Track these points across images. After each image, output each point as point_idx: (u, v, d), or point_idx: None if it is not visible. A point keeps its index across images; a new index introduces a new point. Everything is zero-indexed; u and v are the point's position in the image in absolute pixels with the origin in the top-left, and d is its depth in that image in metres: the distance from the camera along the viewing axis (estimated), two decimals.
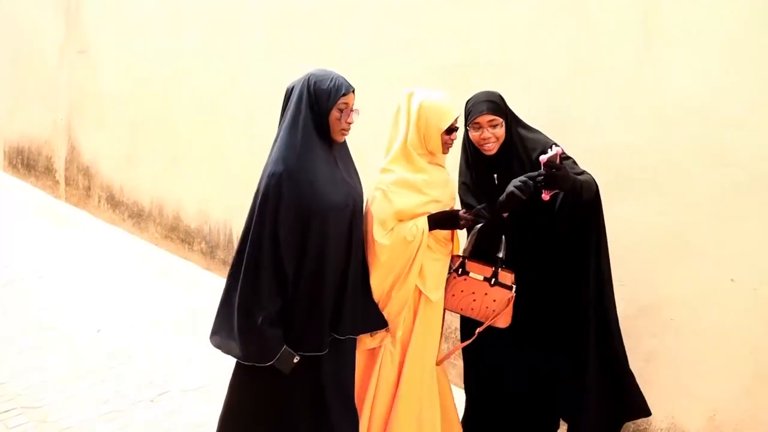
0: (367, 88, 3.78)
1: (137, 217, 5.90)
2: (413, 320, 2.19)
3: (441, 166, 2.25)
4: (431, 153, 2.19)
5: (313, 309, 1.99)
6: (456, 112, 2.16)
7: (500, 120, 2.13)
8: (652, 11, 2.54)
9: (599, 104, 2.70)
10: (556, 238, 2.15)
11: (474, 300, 2.19)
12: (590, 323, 2.15)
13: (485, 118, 2.12)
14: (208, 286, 4.75)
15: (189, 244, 5.35)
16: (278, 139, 1.99)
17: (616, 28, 2.66)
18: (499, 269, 2.17)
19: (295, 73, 4.47)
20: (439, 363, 2.29)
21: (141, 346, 3.56)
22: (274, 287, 1.94)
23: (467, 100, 2.22)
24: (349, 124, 2.01)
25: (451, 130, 2.16)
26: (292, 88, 2.00)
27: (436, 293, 2.19)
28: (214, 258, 5.09)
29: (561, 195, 2.07)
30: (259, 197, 1.95)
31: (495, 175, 2.19)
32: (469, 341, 2.21)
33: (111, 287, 4.50)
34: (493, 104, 2.14)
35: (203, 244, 5.20)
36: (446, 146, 2.18)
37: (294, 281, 1.97)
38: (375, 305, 2.15)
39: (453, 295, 2.23)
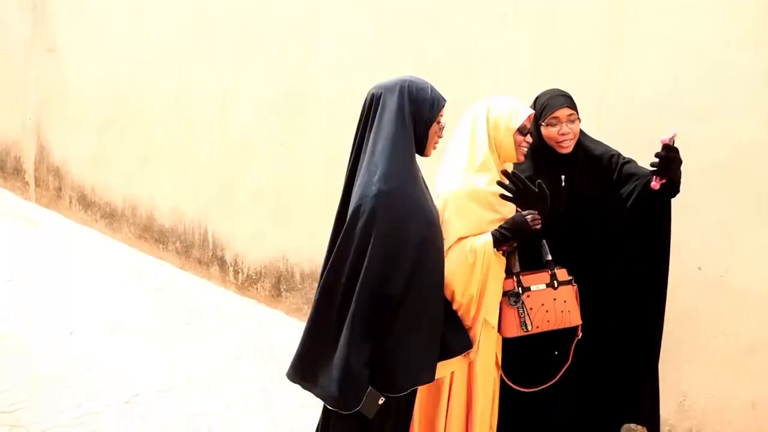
0: (339, 85, 3.79)
1: (110, 217, 5.81)
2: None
3: None
4: (503, 161, 2.01)
5: (422, 338, 1.79)
6: (530, 110, 2.02)
7: (576, 115, 2.05)
8: (618, 10, 2.58)
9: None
10: (620, 240, 2.09)
11: (547, 311, 2.03)
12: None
13: (564, 112, 2.02)
14: (184, 286, 4.71)
15: (163, 243, 5.29)
16: (375, 152, 1.73)
17: (583, 25, 2.69)
18: (555, 269, 2.06)
19: (265, 70, 4.47)
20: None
21: (114, 348, 3.51)
22: (380, 322, 1.72)
23: (535, 98, 2.13)
24: (440, 138, 1.87)
25: (526, 131, 1.98)
26: (381, 95, 1.77)
27: (495, 318, 2.02)
28: (189, 257, 5.04)
29: (635, 193, 2.02)
30: (364, 218, 1.69)
31: (563, 176, 2.10)
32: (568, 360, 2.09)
33: (83, 289, 4.42)
34: (570, 99, 2.05)
35: (178, 244, 5.14)
36: (520, 150, 1.98)
37: (395, 311, 1.73)
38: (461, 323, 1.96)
39: (528, 318, 2.02)
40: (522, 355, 2.10)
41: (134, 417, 2.83)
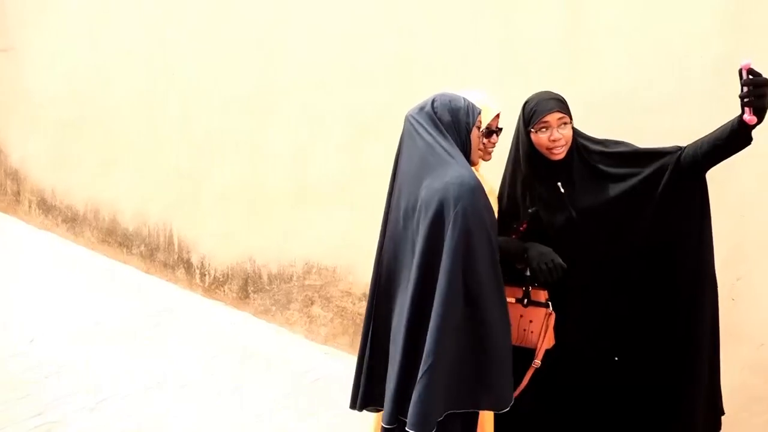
0: (305, 83, 3.78)
1: (71, 221, 5.69)
2: None
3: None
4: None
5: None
6: (496, 109, 1.95)
7: (569, 119, 1.91)
8: (580, 3, 2.64)
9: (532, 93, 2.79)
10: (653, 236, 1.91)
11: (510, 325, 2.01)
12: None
13: (555, 116, 1.87)
14: (149, 290, 4.64)
15: (127, 247, 5.20)
16: (435, 161, 1.68)
17: (543, 21, 2.75)
18: (531, 288, 2.01)
19: (229, 68, 4.42)
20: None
21: (78, 354, 3.45)
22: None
23: (525, 102, 2.00)
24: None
25: (491, 132, 1.94)
26: (416, 113, 1.77)
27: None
28: (154, 261, 4.97)
29: (667, 174, 1.84)
30: (471, 231, 1.60)
31: (559, 183, 1.96)
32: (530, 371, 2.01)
33: (45, 295, 4.32)
34: (561, 102, 1.93)
35: (143, 247, 5.06)
36: (486, 151, 1.95)
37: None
38: None
39: None
40: None
41: (100, 423, 2.78)
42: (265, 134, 4.05)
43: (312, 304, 3.88)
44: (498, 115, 1.96)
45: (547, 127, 1.89)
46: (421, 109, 1.76)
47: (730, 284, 2.40)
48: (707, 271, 1.93)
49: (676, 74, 2.43)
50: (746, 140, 1.71)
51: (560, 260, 1.90)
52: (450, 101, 1.75)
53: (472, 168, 1.79)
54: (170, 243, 4.82)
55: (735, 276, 2.39)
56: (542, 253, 1.92)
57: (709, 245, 1.93)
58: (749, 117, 1.61)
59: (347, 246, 3.62)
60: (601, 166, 1.94)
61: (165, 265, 4.88)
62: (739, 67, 1.60)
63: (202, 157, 4.46)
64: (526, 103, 1.99)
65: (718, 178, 2.37)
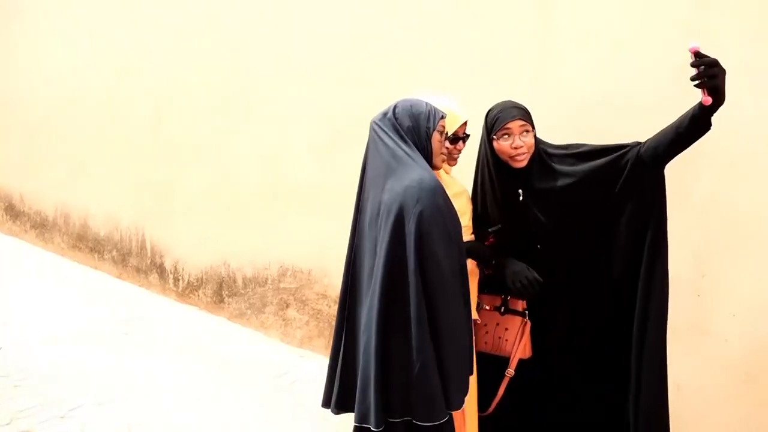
0: (274, 86, 3.77)
1: (41, 227, 5.59)
2: None
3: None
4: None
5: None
6: (463, 117, 1.95)
7: (531, 127, 1.92)
8: (549, 8, 2.68)
9: (499, 96, 2.82)
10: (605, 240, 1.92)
11: (486, 332, 2.04)
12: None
13: (517, 124, 1.89)
14: (121, 295, 4.57)
15: (99, 252, 5.13)
16: (397, 165, 1.68)
17: (517, 26, 2.79)
18: (509, 297, 2.04)
19: (199, 72, 4.40)
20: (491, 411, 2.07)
21: (48, 362, 3.38)
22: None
23: (488, 111, 2.01)
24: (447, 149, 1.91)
25: (457, 138, 1.95)
26: (379, 119, 1.78)
27: (475, 312, 2.02)
28: (126, 266, 4.91)
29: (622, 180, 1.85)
30: (430, 232, 1.60)
31: (520, 191, 1.98)
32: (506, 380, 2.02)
33: (13, 302, 4.24)
34: (523, 110, 1.94)
35: (114, 252, 4.99)
36: (451, 157, 1.97)
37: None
38: None
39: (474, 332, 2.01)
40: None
41: (72, 431, 2.73)
42: (237, 138, 4.03)
43: (287, 307, 3.87)
44: (465, 123, 1.97)
45: (509, 135, 1.90)
46: (384, 115, 1.77)
47: (696, 281, 2.46)
48: (663, 269, 1.93)
49: (645, 78, 2.48)
50: (706, 125, 1.73)
51: (534, 275, 1.92)
52: (411, 106, 1.76)
53: (436, 171, 1.82)
54: (143, 248, 4.76)
55: (700, 273, 2.45)
56: (516, 271, 1.94)
57: (665, 241, 1.92)
58: (705, 98, 1.63)
59: (322, 249, 3.61)
60: (562, 168, 1.95)
61: (138, 270, 4.82)
62: (695, 45, 1.61)
63: (175, 161, 4.43)
64: (489, 111, 2.00)
65: (682, 176, 2.44)
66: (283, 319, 3.89)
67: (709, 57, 1.60)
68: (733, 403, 2.41)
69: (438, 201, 1.62)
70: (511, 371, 2.01)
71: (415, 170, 1.64)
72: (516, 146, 1.90)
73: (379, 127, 1.75)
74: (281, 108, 3.77)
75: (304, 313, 3.78)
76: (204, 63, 4.15)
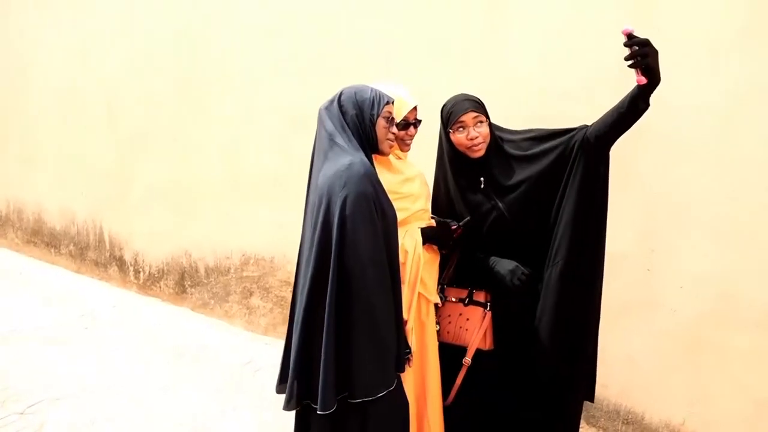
0: (231, 75, 3.74)
1: None
2: (423, 332, 2.03)
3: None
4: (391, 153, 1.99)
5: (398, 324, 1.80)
6: (413, 103, 1.98)
7: (484, 118, 1.97)
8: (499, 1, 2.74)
9: (453, 84, 2.86)
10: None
11: (449, 323, 2.09)
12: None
13: (470, 116, 1.93)
14: (80, 290, 4.49)
15: (55, 247, 5.01)
16: (333, 153, 1.69)
17: (463, 14, 2.82)
18: (474, 290, 2.09)
19: (154, 62, 4.32)
20: (450, 402, 2.11)
21: (7, 359, 3.31)
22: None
23: (443, 106, 2.04)
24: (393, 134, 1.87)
25: (408, 124, 1.98)
26: (325, 107, 1.79)
27: (436, 295, 2.07)
28: (84, 260, 4.81)
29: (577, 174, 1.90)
30: (352, 216, 1.60)
31: (482, 179, 2.02)
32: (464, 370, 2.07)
33: None
34: (475, 102, 1.98)
35: (71, 246, 4.89)
36: (403, 143, 1.99)
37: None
38: None
39: (438, 323, 2.10)
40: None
41: (30, 427, 2.69)
42: (192, 128, 3.98)
43: (251, 295, 3.86)
44: (415, 108, 1.99)
45: (464, 127, 1.95)
46: (331, 102, 1.77)
47: (645, 256, 2.56)
48: (602, 249, 2.00)
49: (588, 65, 2.55)
50: (644, 105, 1.78)
51: (524, 270, 1.97)
52: (355, 93, 1.76)
53: (384, 157, 1.85)
54: (101, 241, 4.67)
55: (649, 248, 2.55)
56: (511, 270, 1.98)
57: (605, 221, 1.98)
58: (639, 78, 1.67)
59: (283, 236, 3.61)
60: (516, 152, 2.00)
61: (96, 263, 4.74)
62: (629, 28, 1.65)
63: (130, 153, 4.35)
64: (443, 106, 2.04)
65: (630, 156, 2.53)
66: (247, 308, 3.89)
67: (640, 38, 1.65)
68: (680, 370, 2.52)
69: (365, 187, 1.61)
70: (468, 360, 2.06)
71: (346, 156, 1.65)
72: (471, 137, 1.94)
73: (324, 114, 1.76)
74: (239, 98, 3.73)
75: (268, 300, 3.78)
76: (159, 52, 4.07)
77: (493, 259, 2.05)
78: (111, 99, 4.39)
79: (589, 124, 2.00)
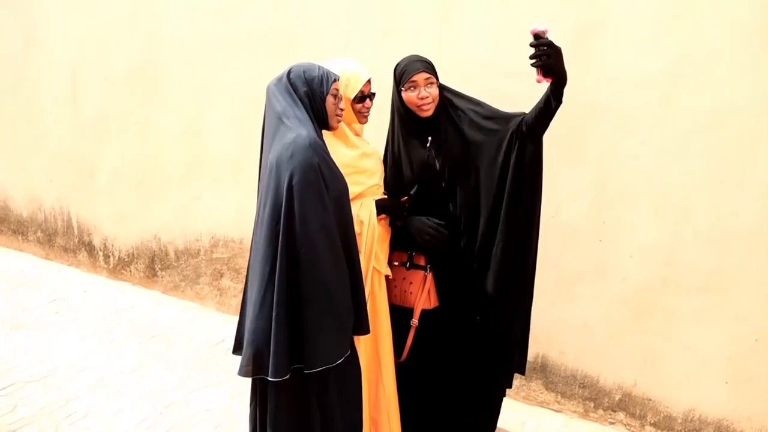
0: (189, 56, 3.74)
1: None
2: (374, 302, 2.11)
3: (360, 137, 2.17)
4: (349, 125, 2.09)
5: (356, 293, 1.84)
6: (367, 76, 2.05)
7: (435, 79, 2.06)
8: None
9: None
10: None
11: (395, 287, 2.20)
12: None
13: (422, 76, 2.03)
14: (49, 276, 4.48)
15: (23, 234, 4.98)
16: (283, 130, 1.72)
17: None
18: (414, 253, 2.18)
19: (113, 45, 4.28)
20: (403, 359, 2.22)
21: None
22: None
23: (396, 65, 2.13)
24: (342, 110, 1.91)
25: (364, 97, 2.06)
26: (274, 84, 1.82)
27: (386, 268, 2.15)
28: (53, 246, 4.80)
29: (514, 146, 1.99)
30: (299, 185, 1.63)
31: (429, 138, 2.13)
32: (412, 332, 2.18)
33: None
34: (427, 63, 2.07)
35: (39, 233, 4.86)
36: (361, 115, 2.08)
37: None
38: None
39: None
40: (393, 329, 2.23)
41: (4, 409, 2.73)
42: (153, 111, 3.99)
43: (221, 276, 3.91)
44: (369, 81, 2.06)
45: (415, 87, 2.04)
46: (279, 80, 1.81)
47: (597, 227, 2.68)
48: (536, 222, 2.13)
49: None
50: (557, 102, 1.90)
51: (434, 222, 2.07)
52: (304, 71, 1.79)
53: (333, 131, 1.92)
54: (69, 226, 4.66)
55: (601, 219, 2.67)
56: (418, 228, 2.10)
57: (539, 199, 2.11)
58: (538, 77, 1.79)
59: (251, 217, 3.64)
60: (463, 119, 2.10)
61: (65, 249, 4.73)
62: (539, 27, 1.75)
63: (94, 137, 4.32)
64: (396, 66, 2.12)
65: (581, 131, 2.63)
66: (218, 289, 3.94)
67: (545, 39, 1.76)
68: (631, 334, 2.66)
69: (311, 158, 1.64)
70: (415, 321, 2.18)
71: (295, 129, 1.69)
72: (422, 97, 2.04)
73: (273, 92, 1.80)
74: (195, 80, 3.75)
75: (239, 281, 3.83)
76: (117, 36, 4.04)
77: (408, 219, 2.14)
78: (71, 84, 4.35)
79: (527, 111, 2.11)
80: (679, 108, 2.44)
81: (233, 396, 2.92)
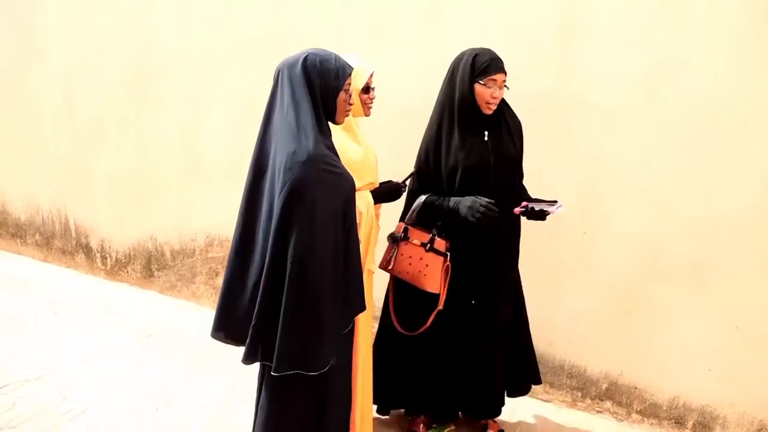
0: (185, 60, 3.80)
1: None
2: None
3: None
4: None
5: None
6: (371, 69, 2.09)
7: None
8: None
9: (396, 62, 2.99)
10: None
11: (410, 264, 2.28)
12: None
13: (502, 77, 2.12)
14: (48, 279, 4.54)
15: (21, 237, 5.03)
16: (289, 126, 1.67)
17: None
18: (436, 237, 2.25)
19: (109, 49, 4.34)
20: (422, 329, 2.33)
21: None
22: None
23: (474, 54, 2.16)
24: (351, 105, 1.86)
25: (368, 88, 2.10)
26: (285, 70, 1.72)
27: (374, 265, 2.19)
28: (51, 249, 4.85)
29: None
30: (296, 192, 1.61)
31: (486, 133, 2.21)
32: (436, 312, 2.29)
33: None
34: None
35: (37, 236, 4.92)
36: (366, 107, 2.11)
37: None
38: None
39: (394, 259, 2.31)
40: (408, 306, 2.40)
41: (3, 407, 2.78)
42: (150, 114, 4.04)
43: (217, 275, 3.97)
44: (372, 74, 2.11)
45: (493, 84, 2.12)
46: (293, 66, 1.71)
47: (582, 220, 2.73)
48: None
49: (524, 45, 2.70)
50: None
51: (484, 200, 2.13)
52: (320, 62, 1.70)
53: (339, 125, 1.90)
54: (66, 229, 4.72)
55: (585, 212, 2.72)
56: (468, 206, 2.15)
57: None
58: (517, 209, 2.19)
59: None
60: (513, 130, 2.29)
61: (63, 252, 4.78)
62: (555, 209, 2.13)
63: (90, 141, 4.38)
64: (475, 55, 2.15)
65: (567, 127, 2.69)
66: (214, 288, 3.99)
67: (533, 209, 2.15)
68: (617, 325, 2.72)
69: (305, 175, 1.60)
70: (441, 307, 2.28)
71: (297, 139, 1.63)
72: (495, 96, 2.13)
73: (288, 78, 1.70)
74: (196, 81, 3.80)
75: None
76: (113, 41, 4.10)
77: (454, 199, 2.21)
78: (68, 88, 4.40)
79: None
80: (664, 106, 2.50)
81: (229, 392, 2.97)
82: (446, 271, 2.24)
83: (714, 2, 2.36)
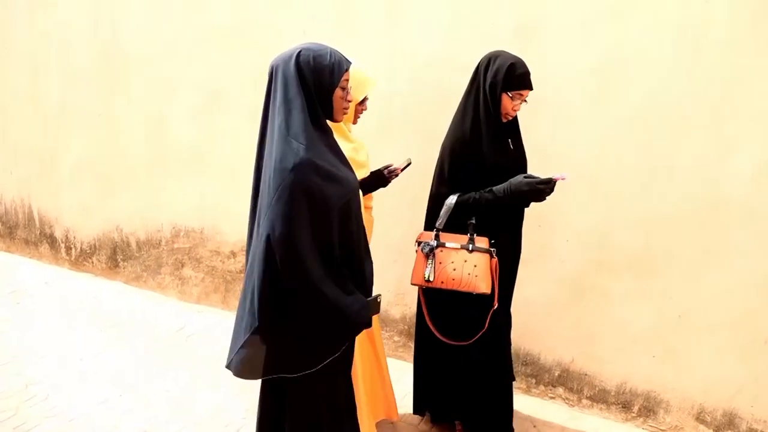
0: (152, 48, 3.81)
1: None
2: None
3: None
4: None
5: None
6: (375, 81, 2.12)
7: None
8: None
9: (362, 56, 3.05)
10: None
11: (454, 269, 2.16)
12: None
13: (527, 93, 2.18)
14: (10, 269, 4.49)
15: None
16: (282, 126, 1.60)
17: None
18: (475, 235, 2.18)
19: (74, 36, 4.31)
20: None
21: None
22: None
23: (510, 64, 2.15)
24: (349, 101, 1.78)
25: (364, 99, 2.14)
26: (279, 67, 1.64)
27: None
28: (14, 239, 4.80)
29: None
30: (286, 193, 1.56)
31: (509, 140, 2.28)
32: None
33: None
34: None
35: (0, 226, 4.86)
36: (357, 116, 2.16)
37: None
38: None
39: (433, 269, 2.17)
40: (445, 312, 2.32)
41: None
42: (115, 103, 4.04)
43: (183, 266, 3.99)
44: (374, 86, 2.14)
45: (518, 97, 2.16)
46: (287, 61, 1.63)
47: (537, 213, 2.84)
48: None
49: (487, 38, 2.79)
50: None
51: (534, 178, 2.13)
52: (314, 58, 1.62)
53: (336, 123, 1.85)
54: (30, 219, 4.67)
55: (540, 205, 2.82)
56: (526, 182, 2.12)
57: None
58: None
59: (212, 207, 3.76)
60: (519, 133, 2.38)
61: (26, 242, 4.74)
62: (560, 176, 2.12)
63: (55, 130, 4.35)
64: (511, 64, 2.14)
65: (523, 121, 2.79)
66: (180, 279, 4.01)
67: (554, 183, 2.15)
68: (569, 313, 2.84)
69: (291, 182, 1.55)
70: (495, 304, 2.24)
71: (287, 143, 1.58)
72: (515, 108, 2.19)
73: (282, 76, 1.63)
74: (161, 72, 3.81)
75: (200, 270, 3.92)
76: (79, 27, 4.08)
77: (496, 187, 2.19)
78: (32, 75, 4.37)
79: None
80: (610, 102, 2.62)
81: (194, 378, 3.01)
82: (495, 267, 2.19)
83: (654, 6, 2.48)
